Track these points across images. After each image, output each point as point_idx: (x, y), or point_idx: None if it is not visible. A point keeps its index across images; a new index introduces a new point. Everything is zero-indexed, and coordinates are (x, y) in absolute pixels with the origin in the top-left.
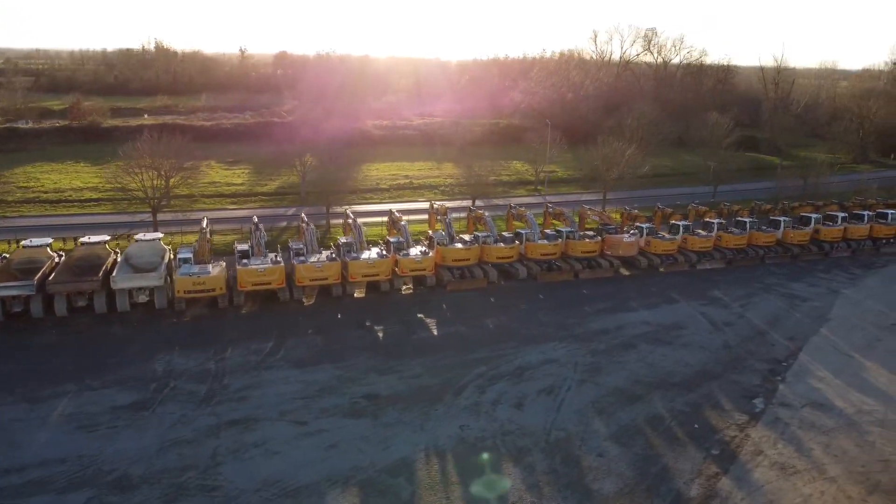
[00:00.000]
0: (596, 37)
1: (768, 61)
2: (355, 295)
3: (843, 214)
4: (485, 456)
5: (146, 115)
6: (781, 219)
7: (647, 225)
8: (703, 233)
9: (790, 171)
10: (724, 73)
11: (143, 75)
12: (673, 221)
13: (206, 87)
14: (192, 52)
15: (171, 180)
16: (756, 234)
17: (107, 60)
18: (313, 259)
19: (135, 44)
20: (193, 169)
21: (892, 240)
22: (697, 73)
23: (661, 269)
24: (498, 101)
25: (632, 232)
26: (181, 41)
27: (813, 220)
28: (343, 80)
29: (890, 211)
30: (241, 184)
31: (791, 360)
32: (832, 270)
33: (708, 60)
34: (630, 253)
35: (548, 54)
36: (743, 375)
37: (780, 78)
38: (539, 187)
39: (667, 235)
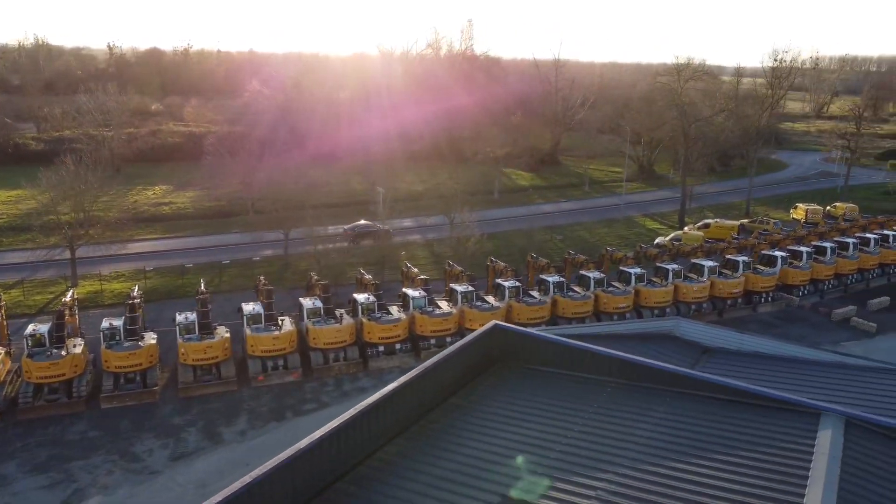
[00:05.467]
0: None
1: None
2: None
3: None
4: None
5: None
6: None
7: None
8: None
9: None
10: (487, 66)
11: None
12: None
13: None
14: (74, 49)
15: None
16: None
17: None
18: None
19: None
20: None
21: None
22: (469, 67)
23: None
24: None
25: None
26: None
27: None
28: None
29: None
30: None
31: None
32: None
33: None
34: None
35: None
36: None
37: (558, 73)
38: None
39: (393, 314)
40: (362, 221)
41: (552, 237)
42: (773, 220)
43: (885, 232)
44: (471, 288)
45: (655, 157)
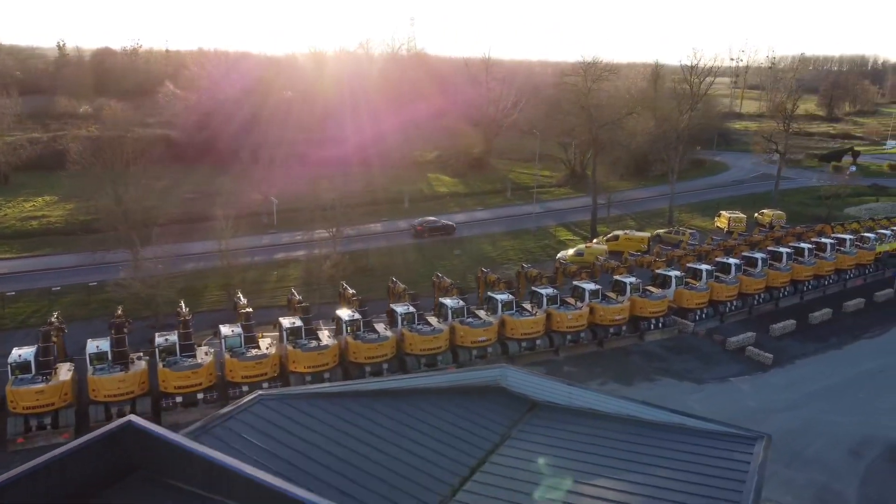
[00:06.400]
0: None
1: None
2: None
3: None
4: None
5: None
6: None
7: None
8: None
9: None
10: (418, 65)
11: None
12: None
13: None
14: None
15: None
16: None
17: None
18: None
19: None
20: None
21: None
22: (400, 67)
23: None
24: None
25: None
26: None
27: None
28: None
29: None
30: None
31: None
32: None
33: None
34: None
35: None
36: None
37: (489, 73)
38: None
39: (198, 358)
40: (429, 217)
41: (450, 251)
42: (689, 231)
43: (801, 245)
44: (298, 323)
45: (588, 161)
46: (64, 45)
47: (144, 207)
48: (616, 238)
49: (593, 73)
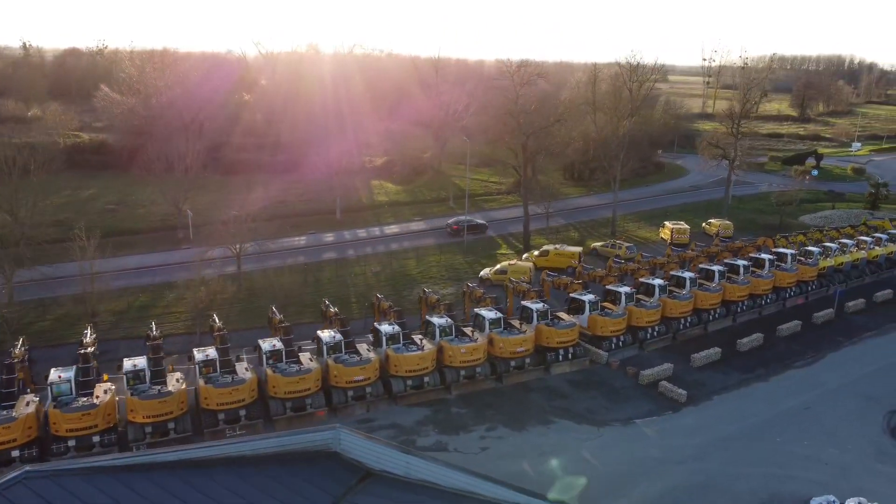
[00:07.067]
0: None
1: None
2: None
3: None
4: None
5: None
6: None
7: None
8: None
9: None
10: (369, 65)
11: None
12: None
13: None
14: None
15: None
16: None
17: None
18: None
19: None
20: None
21: None
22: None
23: None
24: None
25: None
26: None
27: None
28: None
29: None
30: None
31: None
32: None
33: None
34: None
35: None
36: None
37: (439, 74)
38: None
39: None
40: (460, 217)
41: (366, 269)
42: (626, 245)
43: (737, 262)
44: (141, 364)
45: (541, 167)
46: (28, 45)
47: (30, 224)
48: (546, 253)
49: (521, 76)
